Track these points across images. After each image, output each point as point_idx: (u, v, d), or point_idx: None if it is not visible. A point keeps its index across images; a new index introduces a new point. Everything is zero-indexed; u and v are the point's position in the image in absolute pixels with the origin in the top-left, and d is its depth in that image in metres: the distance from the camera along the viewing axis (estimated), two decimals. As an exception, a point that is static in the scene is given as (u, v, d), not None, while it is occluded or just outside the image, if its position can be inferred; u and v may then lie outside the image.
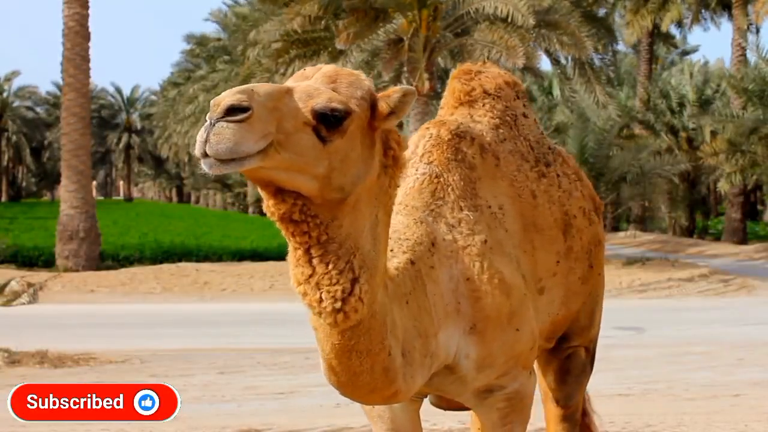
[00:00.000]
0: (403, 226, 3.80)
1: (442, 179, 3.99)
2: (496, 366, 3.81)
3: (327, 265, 3.20)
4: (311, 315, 3.29)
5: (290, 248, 3.25)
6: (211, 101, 3.00)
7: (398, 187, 3.44)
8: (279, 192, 3.14)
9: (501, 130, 4.40)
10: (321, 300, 3.21)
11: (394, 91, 3.29)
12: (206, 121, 2.97)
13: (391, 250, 3.69)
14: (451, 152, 4.08)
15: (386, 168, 3.34)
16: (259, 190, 3.19)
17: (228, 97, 2.97)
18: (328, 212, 3.18)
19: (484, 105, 4.48)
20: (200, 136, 2.96)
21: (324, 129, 3.11)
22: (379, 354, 3.37)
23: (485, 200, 4.05)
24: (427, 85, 23.54)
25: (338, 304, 3.20)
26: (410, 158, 4.08)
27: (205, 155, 2.95)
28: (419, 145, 4.12)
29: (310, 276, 3.21)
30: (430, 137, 4.13)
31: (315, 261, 3.20)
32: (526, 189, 4.26)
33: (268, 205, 3.17)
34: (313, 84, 3.19)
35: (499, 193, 4.13)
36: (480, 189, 4.06)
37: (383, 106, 3.27)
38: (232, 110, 2.95)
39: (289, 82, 3.25)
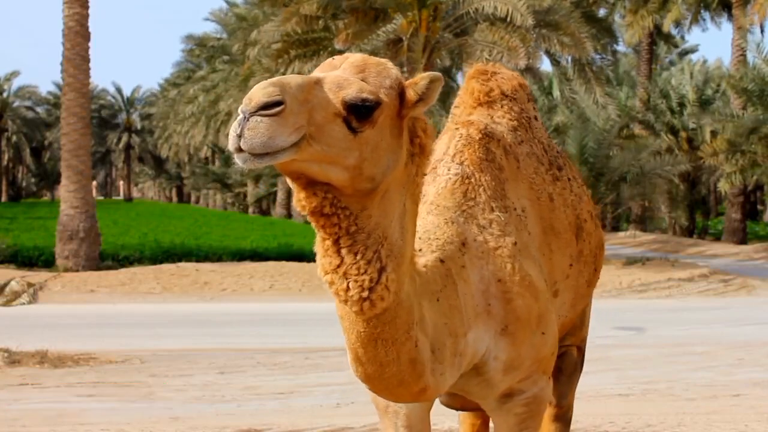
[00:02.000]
0: (433, 226, 3.80)
1: (473, 179, 3.99)
2: (521, 369, 3.82)
3: (355, 255, 3.18)
4: (337, 303, 3.29)
5: (318, 238, 3.22)
6: (246, 96, 2.97)
7: (425, 175, 3.41)
8: (310, 185, 3.11)
9: (519, 132, 4.42)
10: (348, 289, 3.19)
11: (422, 78, 3.27)
12: (239, 114, 2.95)
13: (420, 250, 3.69)
14: (483, 152, 4.08)
15: (413, 156, 3.32)
16: (290, 183, 3.16)
17: (260, 90, 2.95)
18: (357, 203, 3.16)
19: (502, 106, 4.48)
20: (234, 130, 2.94)
21: (354, 119, 3.09)
22: (405, 343, 3.35)
23: (512, 202, 4.06)
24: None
25: (365, 293, 3.19)
26: (441, 158, 4.08)
27: (239, 150, 2.94)
28: (450, 145, 4.11)
29: (338, 266, 3.19)
30: (461, 137, 4.13)
31: (344, 251, 3.18)
32: (544, 192, 4.28)
33: (299, 198, 3.15)
34: (341, 74, 3.17)
35: (521, 195, 4.15)
36: (507, 190, 4.08)
37: (411, 94, 3.25)
38: (266, 104, 2.94)
39: (317, 72, 3.23)
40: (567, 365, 4.76)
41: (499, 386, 3.82)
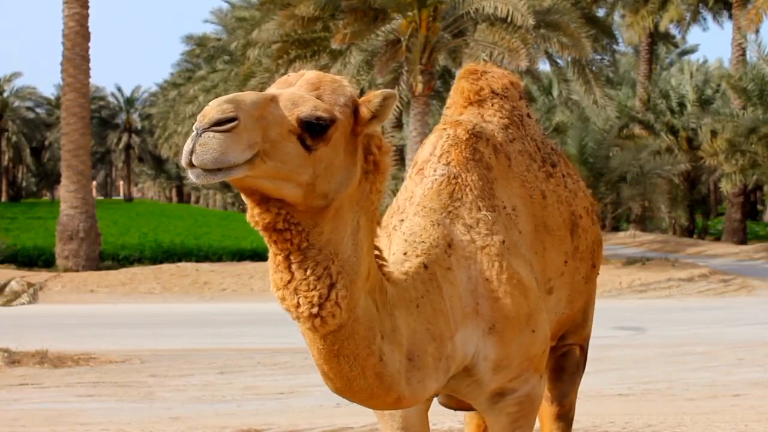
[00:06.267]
0: (419, 228, 3.80)
1: (460, 180, 3.98)
2: (511, 368, 3.82)
3: (305, 271, 3.20)
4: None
5: (270, 254, 3.25)
6: (200, 113, 2.99)
7: (381, 192, 3.41)
8: (264, 201, 3.14)
9: (510, 130, 4.40)
10: (298, 305, 3.22)
11: (375, 96, 3.29)
12: (193, 131, 2.97)
13: (405, 254, 3.71)
14: (470, 152, 4.07)
15: (367, 174, 3.33)
16: (245, 198, 3.19)
17: (214, 107, 2.98)
18: (310, 219, 3.18)
19: (493, 105, 4.47)
20: (187, 146, 2.97)
21: (309, 137, 3.12)
22: (368, 358, 3.37)
23: (501, 201, 4.05)
24: (420, 87, 23.45)
25: (315, 310, 3.21)
26: (428, 159, 4.08)
27: (191, 165, 2.96)
28: (437, 145, 4.11)
29: (289, 281, 3.21)
30: (448, 137, 4.12)
31: (294, 267, 3.20)
32: (536, 189, 4.27)
33: (253, 214, 3.17)
34: (297, 91, 3.19)
35: (512, 194, 4.14)
36: (496, 189, 4.07)
37: (365, 112, 3.26)
38: (219, 121, 2.96)
39: (273, 89, 3.24)
40: (569, 365, 4.74)
41: (490, 386, 3.82)
